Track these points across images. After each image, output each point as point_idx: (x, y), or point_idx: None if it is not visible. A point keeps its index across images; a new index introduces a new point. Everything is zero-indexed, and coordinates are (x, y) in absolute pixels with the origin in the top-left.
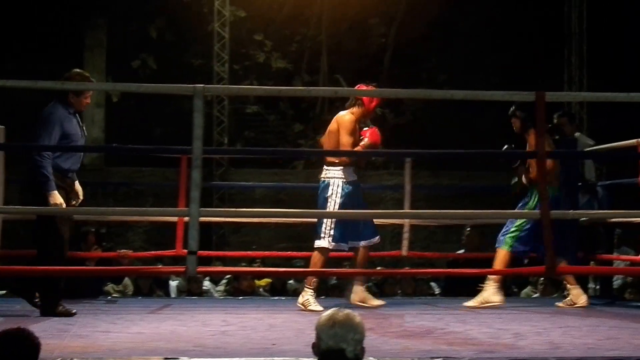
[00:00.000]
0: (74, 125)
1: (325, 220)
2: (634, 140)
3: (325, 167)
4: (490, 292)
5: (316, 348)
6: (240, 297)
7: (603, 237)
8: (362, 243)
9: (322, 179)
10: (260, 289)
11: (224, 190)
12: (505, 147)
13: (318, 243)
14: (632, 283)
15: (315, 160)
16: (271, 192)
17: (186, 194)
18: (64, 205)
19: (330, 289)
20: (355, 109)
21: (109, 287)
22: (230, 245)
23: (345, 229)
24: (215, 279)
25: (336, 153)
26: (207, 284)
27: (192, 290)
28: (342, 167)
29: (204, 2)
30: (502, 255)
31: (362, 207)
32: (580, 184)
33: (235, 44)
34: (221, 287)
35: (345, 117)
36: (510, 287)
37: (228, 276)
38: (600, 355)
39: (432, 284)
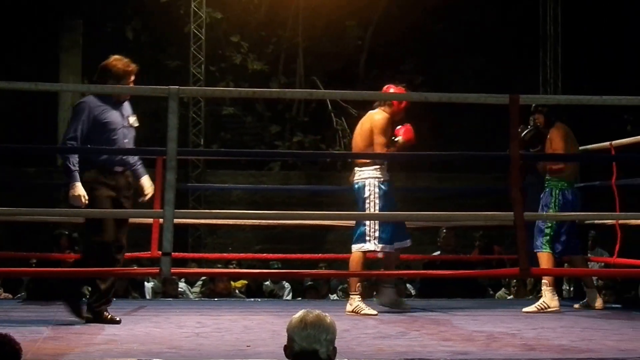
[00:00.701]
0: (112, 115)
1: (368, 222)
2: (607, 143)
3: (357, 168)
4: (549, 298)
5: (288, 350)
6: (216, 299)
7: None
8: (398, 244)
9: (356, 181)
10: (236, 291)
11: (200, 192)
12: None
13: (363, 247)
14: (606, 285)
15: (292, 162)
16: (247, 194)
17: (161, 196)
18: (85, 199)
19: (307, 290)
20: (386, 108)
21: (84, 288)
22: (207, 247)
23: (394, 230)
24: (191, 280)
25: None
26: (182, 285)
27: (167, 291)
28: (376, 167)
29: (181, 4)
30: (544, 258)
31: (395, 208)
32: None
33: (211, 45)
34: (197, 289)
35: (377, 116)
36: (486, 289)
37: (204, 278)
38: (574, 356)
39: (408, 285)
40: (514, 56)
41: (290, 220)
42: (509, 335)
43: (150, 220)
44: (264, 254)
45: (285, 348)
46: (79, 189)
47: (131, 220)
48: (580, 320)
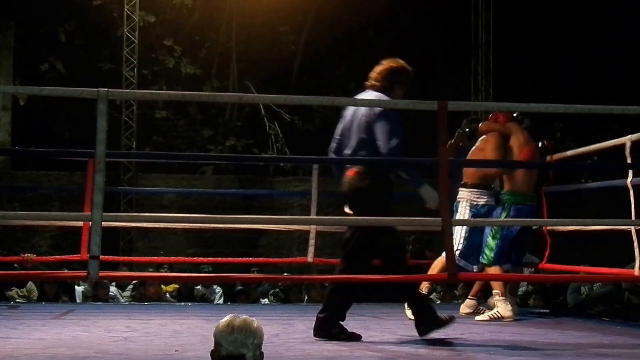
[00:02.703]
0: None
1: (455, 232)
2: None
3: (460, 187)
4: (502, 308)
5: (215, 355)
6: (146, 303)
7: None
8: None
9: (457, 199)
10: (167, 295)
11: (131, 195)
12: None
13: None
14: (536, 290)
15: (224, 166)
16: (179, 197)
17: (91, 199)
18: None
19: (237, 294)
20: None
21: (13, 291)
22: (138, 250)
23: (474, 250)
24: (122, 284)
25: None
26: (113, 289)
27: (98, 295)
28: (471, 189)
29: (114, 7)
30: (493, 271)
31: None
32: None
33: (144, 48)
34: (127, 293)
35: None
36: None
37: (134, 282)
38: None
39: None
40: (446, 63)
41: (223, 224)
42: (437, 339)
43: (80, 224)
44: (196, 258)
45: (212, 352)
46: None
47: (59, 222)
48: (508, 325)
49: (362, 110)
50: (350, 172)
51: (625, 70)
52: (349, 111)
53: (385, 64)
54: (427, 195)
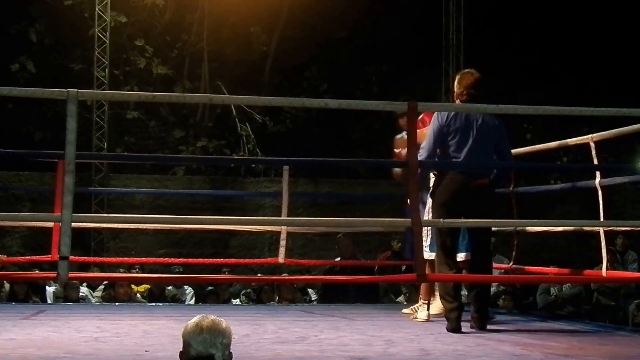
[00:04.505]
0: None
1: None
2: None
3: None
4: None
5: (185, 355)
6: (117, 304)
7: None
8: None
9: None
10: (138, 295)
11: (102, 196)
12: None
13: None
14: (505, 290)
15: (196, 167)
16: (151, 198)
17: (61, 199)
18: None
19: (208, 295)
20: None
21: None
22: (109, 251)
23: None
24: (93, 285)
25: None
26: (84, 290)
27: (68, 296)
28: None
29: (85, 7)
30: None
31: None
32: None
33: (116, 49)
34: (99, 293)
35: None
36: (387, 294)
37: (105, 282)
38: None
39: (310, 290)
40: (417, 64)
41: (194, 224)
42: (406, 340)
43: (51, 224)
44: (167, 258)
45: (181, 353)
46: None
47: (30, 223)
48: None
49: (488, 120)
50: (484, 181)
51: (593, 72)
52: (462, 120)
53: (471, 76)
54: None
